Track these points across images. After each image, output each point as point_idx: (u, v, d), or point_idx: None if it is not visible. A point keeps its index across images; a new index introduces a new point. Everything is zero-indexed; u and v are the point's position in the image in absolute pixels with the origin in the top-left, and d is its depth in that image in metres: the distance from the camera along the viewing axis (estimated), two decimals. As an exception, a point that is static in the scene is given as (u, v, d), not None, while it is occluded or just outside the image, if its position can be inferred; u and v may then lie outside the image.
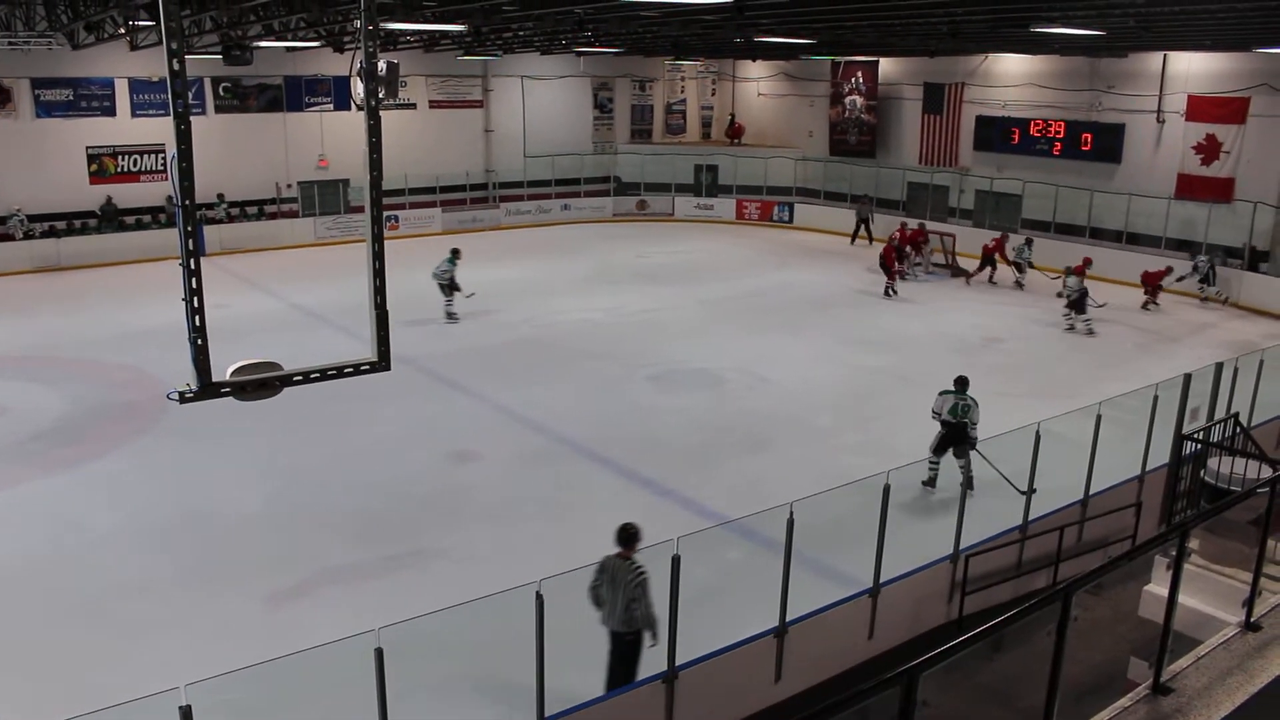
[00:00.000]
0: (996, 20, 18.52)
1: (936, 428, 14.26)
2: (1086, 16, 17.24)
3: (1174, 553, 6.93)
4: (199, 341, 5.55)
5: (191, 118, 5.36)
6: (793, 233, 36.64)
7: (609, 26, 21.46)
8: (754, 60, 40.21)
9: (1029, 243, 28.34)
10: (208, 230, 30.44)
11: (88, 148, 30.16)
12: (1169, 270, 25.61)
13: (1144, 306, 25.52)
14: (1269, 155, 26.56)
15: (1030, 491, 12.45)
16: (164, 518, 13.41)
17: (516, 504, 13.95)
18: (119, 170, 30.65)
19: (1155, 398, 13.77)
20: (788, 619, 10.24)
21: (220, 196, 31.44)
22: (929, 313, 24.75)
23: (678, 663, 9.32)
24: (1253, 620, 7.32)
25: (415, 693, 8.36)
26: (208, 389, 5.61)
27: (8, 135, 28.86)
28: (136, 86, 30.27)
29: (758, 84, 41.80)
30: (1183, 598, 6.89)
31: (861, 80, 36.81)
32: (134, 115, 30.53)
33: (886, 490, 10.90)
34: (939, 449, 14.06)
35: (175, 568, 12.13)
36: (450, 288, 23.12)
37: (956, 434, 13.89)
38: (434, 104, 36.53)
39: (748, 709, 10.21)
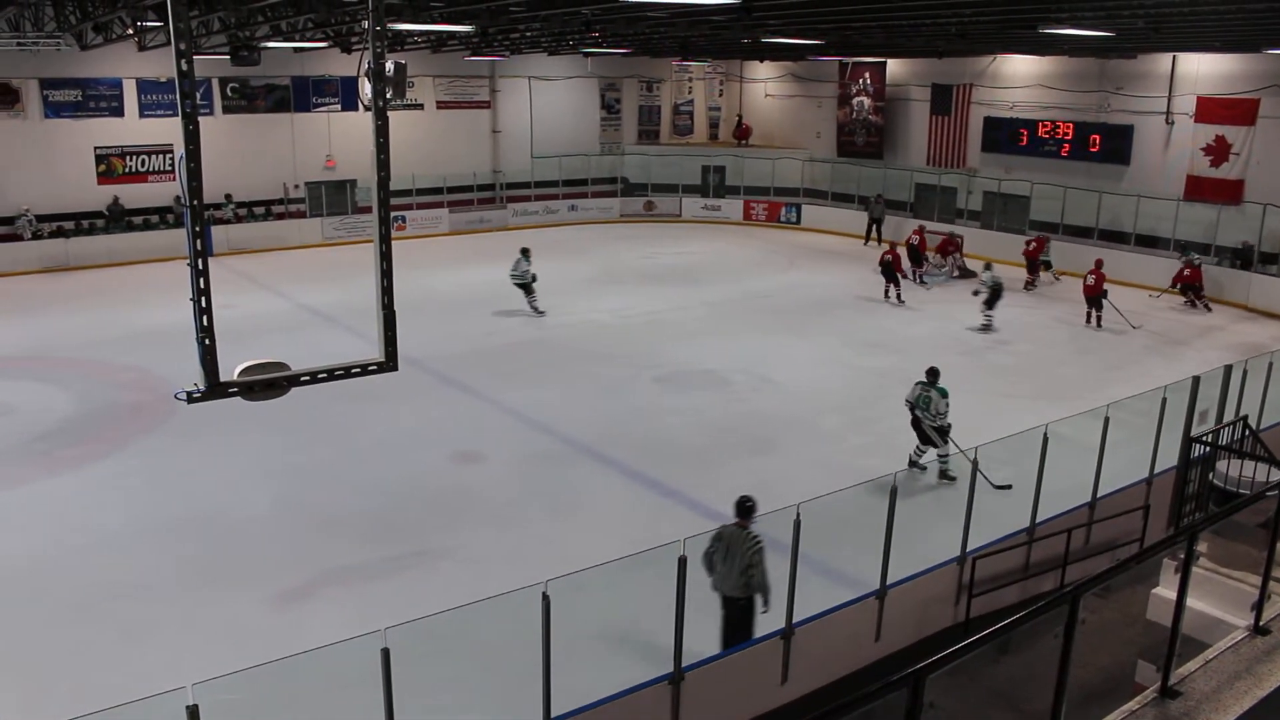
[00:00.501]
0: (1005, 21, 18.49)
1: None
2: (1095, 17, 17.20)
3: (1182, 556, 6.89)
4: (206, 341, 5.56)
5: (199, 118, 5.36)
6: (800, 234, 36.62)
7: (616, 27, 21.47)
8: (761, 61, 40.17)
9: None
10: (215, 230, 30.48)
11: (96, 148, 30.25)
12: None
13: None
14: (1279, 157, 26.46)
15: (1005, 487, 12.48)
16: (170, 518, 13.42)
17: (522, 505, 13.95)
18: (127, 170, 30.73)
19: (1163, 400, 13.72)
20: (794, 620, 10.22)
21: (228, 197, 31.51)
22: (935, 315, 24.69)
23: (684, 664, 9.31)
24: (1261, 624, 7.29)
25: (422, 693, 8.35)
26: (215, 389, 5.63)
27: (16, 136, 28.94)
28: (145, 87, 30.36)
29: (765, 85, 41.77)
30: (1191, 601, 6.87)
31: (869, 81, 36.77)
32: (142, 116, 30.61)
33: (893, 491, 10.89)
34: (921, 438, 14.66)
35: (181, 568, 12.14)
36: (530, 285, 24.04)
37: (916, 423, 14.55)
38: (441, 104, 36.57)
39: (754, 710, 10.20)
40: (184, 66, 5.25)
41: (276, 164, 33.10)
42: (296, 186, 33.58)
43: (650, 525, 12.68)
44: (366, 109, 6.20)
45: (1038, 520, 12.62)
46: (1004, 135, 32.87)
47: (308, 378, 5.96)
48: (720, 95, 43.21)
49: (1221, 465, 12.78)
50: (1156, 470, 14.01)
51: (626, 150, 40.81)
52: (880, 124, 36.87)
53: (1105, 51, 27.83)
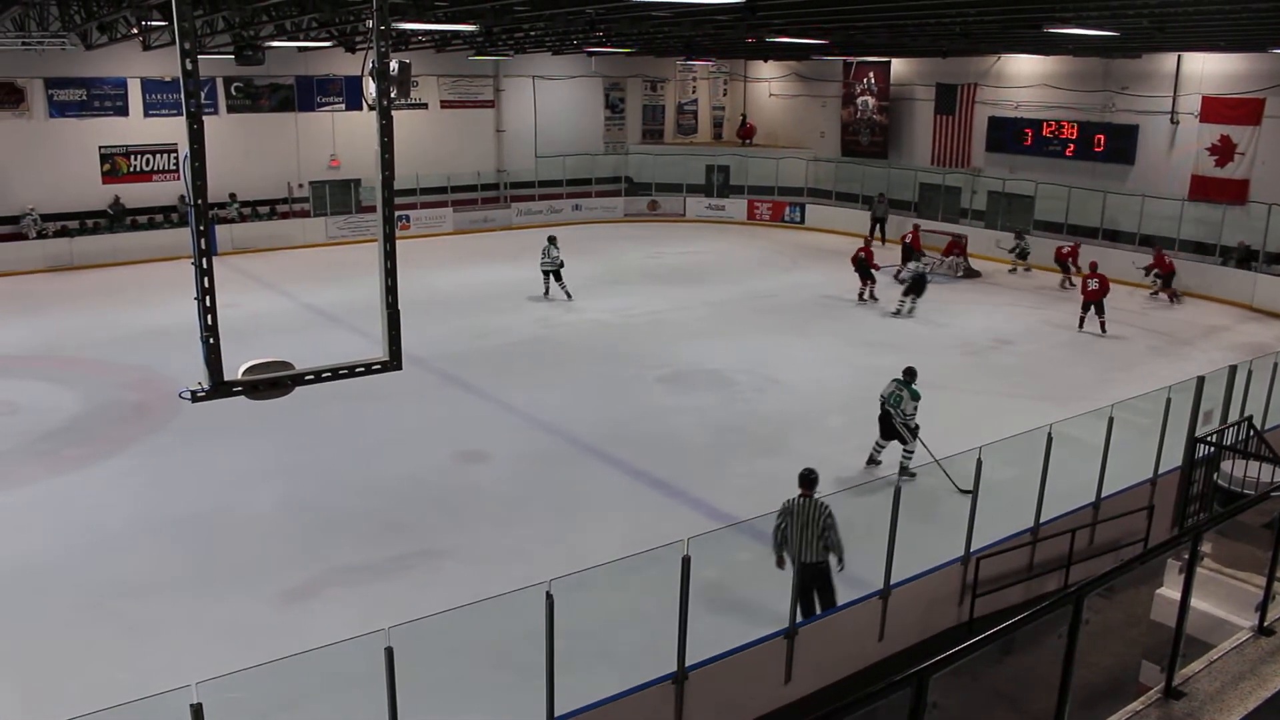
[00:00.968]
0: (1009, 20, 18.46)
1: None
2: (1100, 17, 17.18)
3: (1186, 556, 6.88)
4: (211, 340, 5.56)
5: (204, 118, 5.37)
6: (804, 233, 36.61)
7: (620, 27, 21.46)
8: (765, 61, 40.17)
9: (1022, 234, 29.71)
10: (220, 230, 30.49)
11: (100, 147, 30.30)
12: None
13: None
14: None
15: (967, 492, 12.44)
16: (174, 517, 13.44)
17: (526, 504, 13.95)
18: (132, 170, 30.77)
19: (1168, 400, 13.72)
20: (797, 620, 10.22)
21: (232, 196, 31.54)
22: (939, 314, 24.66)
23: (688, 663, 9.32)
24: (1266, 624, 7.28)
25: (425, 692, 8.36)
26: (219, 388, 5.63)
27: (21, 135, 28.99)
28: (149, 86, 30.41)
29: (769, 84, 41.77)
30: (1195, 601, 6.86)
31: (873, 81, 36.75)
32: (146, 115, 30.66)
33: (897, 492, 10.89)
34: (883, 432, 14.83)
35: (185, 567, 12.16)
36: (560, 271, 25.32)
37: (886, 419, 14.67)
38: (445, 104, 36.60)
39: (757, 710, 10.20)
40: (188, 66, 5.25)
41: (281, 163, 33.13)
42: (301, 186, 33.62)
43: (654, 525, 12.69)
44: (370, 108, 6.21)
45: (1042, 520, 12.62)
46: (1008, 135, 32.84)
47: (312, 377, 5.96)
48: (724, 95, 43.21)
49: (1226, 465, 12.76)
50: (1161, 470, 14.01)
51: (630, 150, 40.82)
52: (884, 123, 36.84)
53: (1110, 51, 27.80)
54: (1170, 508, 13.67)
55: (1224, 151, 27.63)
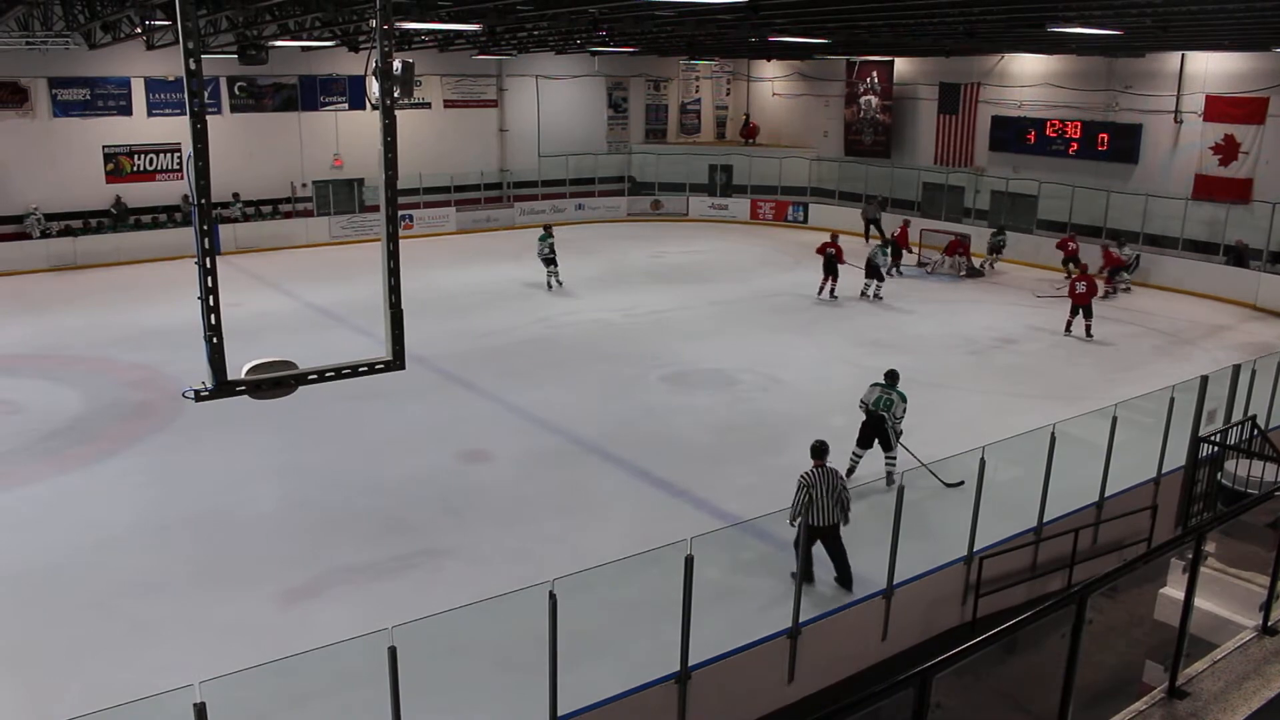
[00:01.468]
0: (1012, 20, 18.45)
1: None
2: (1104, 16, 17.17)
3: (1190, 556, 6.89)
4: (214, 340, 5.56)
5: (207, 117, 5.37)
6: (807, 233, 36.52)
7: (623, 26, 21.47)
8: (769, 60, 40.17)
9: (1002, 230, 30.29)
10: (223, 229, 30.56)
11: (104, 147, 30.33)
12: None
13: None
14: (1288, 156, 26.43)
15: (960, 484, 12.42)
16: (177, 516, 13.45)
17: (529, 504, 13.95)
18: (135, 169, 30.80)
19: (1171, 400, 13.71)
20: (801, 620, 10.23)
21: (236, 195, 31.57)
22: (942, 314, 24.67)
23: (690, 663, 9.32)
24: (1269, 624, 7.27)
25: (428, 692, 8.36)
26: (223, 387, 5.63)
27: (25, 134, 29.03)
28: (153, 86, 30.44)
29: (772, 84, 41.75)
30: (1199, 601, 6.86)
31: (876, 80, 36.73)
32: (150, 114, 30.69)
33: (900, 491, 10.90)
34: (861, 441, 14.19)
35: (188, 566, 12.17)
36: (554, 259, 26.30)
37: (876, 425, 14.01)
38: (449, 103, 36.62)
39: (760, 710, 10.20)
40: (192, 65, 5.25)
41: (284, 163, 33.16)
42: (304, 185, 33.65)
43: (657, 524, 12.69)
44: (374, 108, 6.20)
45: (1045, 520, 12.62)
46: (1012, 134, 32.82)
47: (315, 376, 5.96)
48: (727, 94, 43.21)
49: (1230, 465, 12.74)
50: (1164, 470, 14.01)
51: (633, 149, 40.82)
52: (887, 123, 36.82)
53: (1113, 50, 27.77)
54: (1174, 507, 13.66)
55: (1228, 151, 27.59)
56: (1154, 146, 29.42)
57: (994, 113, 33.31)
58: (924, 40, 25.83)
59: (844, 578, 11.25)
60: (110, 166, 30.50)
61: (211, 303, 5.51)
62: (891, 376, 14.28)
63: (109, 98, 30.14)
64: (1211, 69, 27.75)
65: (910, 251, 29.46)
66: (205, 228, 5.42)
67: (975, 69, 33.52)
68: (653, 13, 18.56)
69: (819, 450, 11.47)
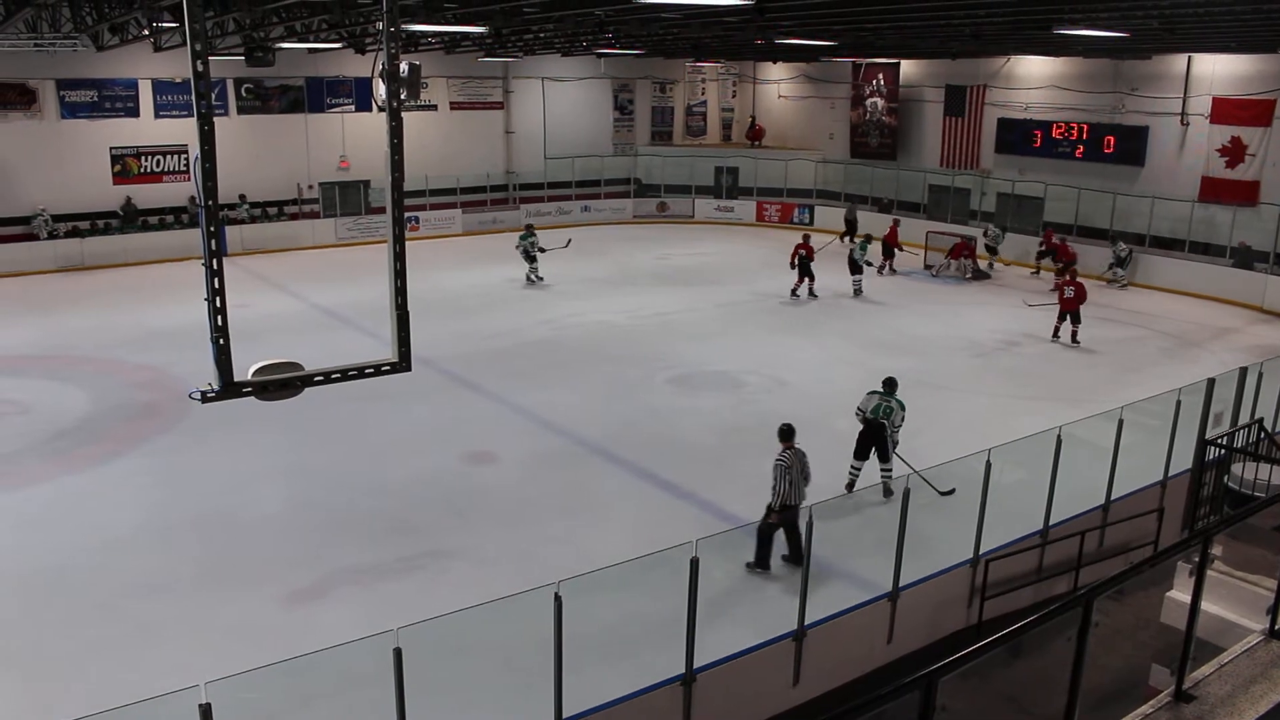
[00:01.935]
0: (1019, 22, 18.43)
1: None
2: (1110, 18, 17.14)
3: (1197, 559, 6.87)
4: (221, 341, 5.58)
5: (214, 119, 5.39)
6: (813, 235, 36.47)
7: (629, 28, 21.48)
8: (774, 62, 40.15)
9: (1003, 230, 30.67)
10: (230, 231, 30.61)
11: (111, 148, 30.41)
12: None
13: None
14: (1295, 158, 26.39)
15: (949, 492, 12.37)
16: (183, 517, 13.47)
17: (534, 505, 13.96)
18: (142, 171, 30.88)
19: (1178, 402, 13.69)
20: (806, 622, 10.22)
21: (242, 197, 31.63)
22: (945, 316, 24.65)
23: (696, 665, 9.32)
24: (1276, 627, 7.25)
25: (433, 693, 8.37)
26: (229, 389, 5.64)
27: (33, 136, 29.11)
28: (160, 87, 30.51)
29: (778, 86, 41.74)
30: (1205, 604, 6.84)
31: (882, 82, 36.70)
32: (157, 116, 30.76)
33: (906, 494, 10.89)
34: (860, 452, 13.91)
35: (194, 567, 12.18)
36: (535, 257, 27.20)
37: (875, 433, 13.72)
38: (455, 105, 36.65)
39: (766, 712, 10.20)
40: (199, 67, 5.27)
41: (290, 164, 33.22)
42: (310, 187, 33.69)
43: (663, 526, 12.68)
44: (380, 110, 6.22)
45: (1051, 523, 12.60)
46: (1018, 136, 32.77)
47: (321, 378, 5.97)
48: (733, 96, 43.20)
49: (1236, 468, 12.71)
50: (1171, 473, 13.97)
51: (639, 151, 40.83)
52: (893, 125, 36.80)
53: (1120, 52, 27.73)
54: (1180, 510, 13.63)
55: (1234, 153, 27.53)
56: (1160, 149, 29.36)
57: (1000, 115, 33.27)
58: (930, 43, 25.82)
59: (797, 555, 11.39)
60: (117, 168, 30.58)
61: (218, 304, 5.53)
62: (890, 384, 14.02)
63: (116, 99, 30.21)
64: (1218, 71, 27.69)
65: (902, 250, 29.66)
66: (212, 229, 5.44)
67: (981, 71, 33.48)
68: (659, 15, 18.56)
69: (787, 433, 11.91)
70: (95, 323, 23.12)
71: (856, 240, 28.37)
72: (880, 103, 37.07)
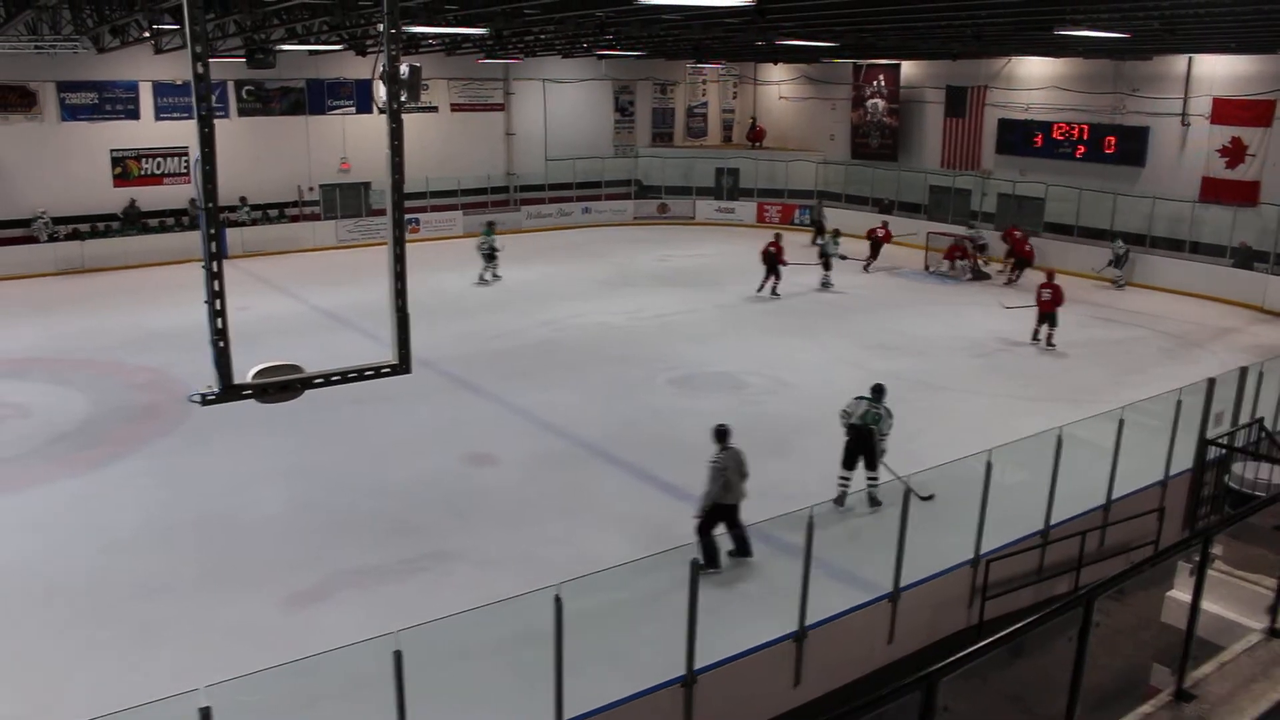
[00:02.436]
0: (1020, 23, 18.45)
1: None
2: (1111, 19, 17.15)
3: (1197, 558, 6.87)
4: (221, 344, 5.58)
5: (215, 121, 5.39)
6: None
7: (630, 30, 21.51)
8: (775, 63, 40.16)
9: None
10: (230, 233, 30.61)
11: (112, 150, 30.43)
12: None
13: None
14: (1295, 158, 26.40)
15: (929, 498, 12.36)
16: (184, 519, 13.48)
17: (535, 507, 13.96)
18: (143, 173, 30.89)
19: (1179, 402, 13.69)
20: (807, 623, 10.22)
21: (243, 199, 31.64)
22: (948, 316, 24.65)
23: (696, 667, 9.32)
24: (1277, 626, 7.26)
25: (434, 695, 8.37)
26: (229, 391, 5.64)
27: (33, 138, 29.13)
28: (160, 89, 30.52)
29: (779, 87, 41.76)
30: (1206, 604, 6.85)
31: (883, 83, 36.72)
32: (158, 118, 30.77)
33: (907, 494, 10.89)
34: (847, 461, 13.57)
35: (194, 569, 12.19)
36: (494, 255, 27.46)
37: (862, 440, 13.44)
38: (455, 107, 36.67)
39: (766, 713, 10.20)
40: (199, 69, 5.27)
41: (291, 166, 33.23)
42: (311, 189, 33.70)
43: (664, 527, 12.68)
44: (381, 112, 6.22)
45: (1052, 523, 12.60)
46: (1018, 137, 32.78)
47: (321, 380, 5.98)
48: (734, 97, 43.20)
49: (1237, 468, 12.73)
50: (1172, 473, 13.97)
51: (640, 153, 40.83)
52: (894, 126, 36.81)
53: (1120, 53, 27.76)
54: (1181, 510, 13.65)
55: (1235, 153, 27.54)
56: (1161, 149, 29.36)
57: (1001, 115, 33.28)
58: (931, 44, 25.83)
59: (744, 548, 11.82)
60: (118, 170, 30.60)
61: (218, 306, 5.54)
62: (878, 391, 13.69)
63: (117, 101, 30.23)
64: (1219, 71, 27.70)
65: (888, 241, 30.37)
66: (212, 231, 5.44)
67: (982, 72, 33.49)
68: (659, 16, 18.58)
69: (721, 434, 12.04)
70: (95, 325, 23.13)
71: (827, 235, 28.89)
72: (881, 104, 37.09)
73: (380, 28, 6.24)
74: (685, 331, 22.92)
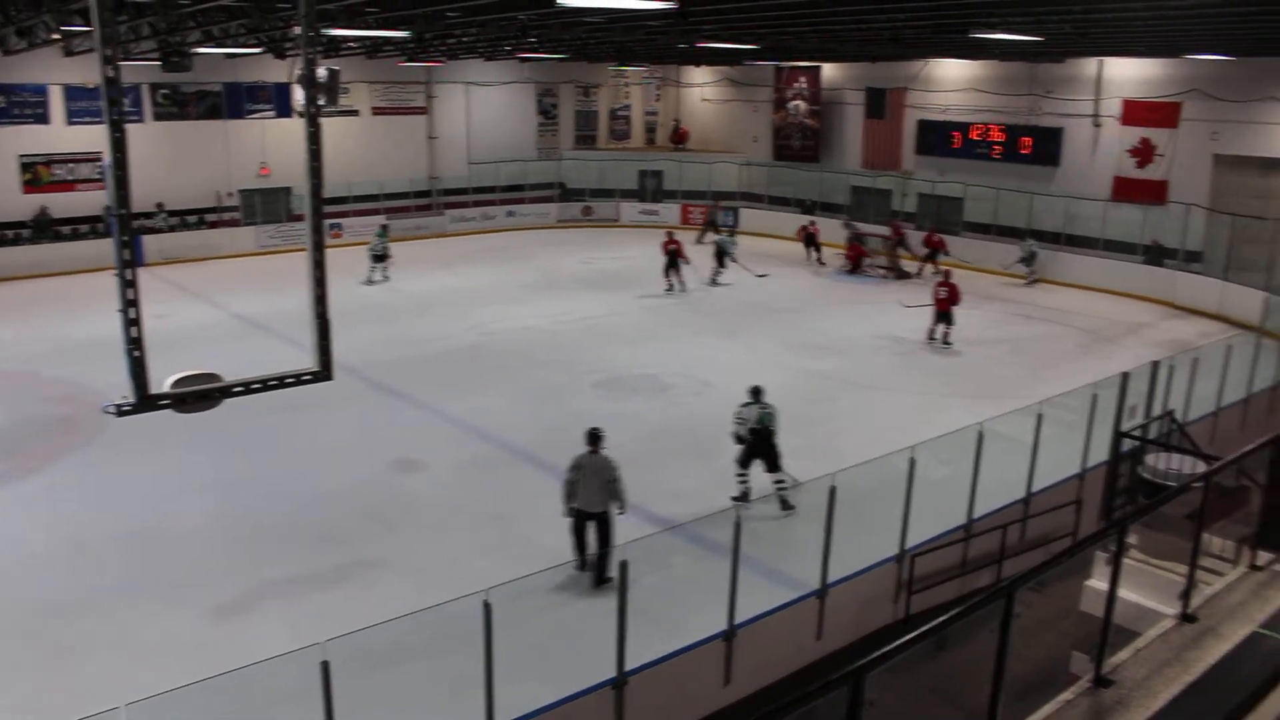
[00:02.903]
0: (936, 26, 18.75)
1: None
2: (1025, 22, 17.51)
3: (1113, 548, 7.05)
4: (136, 353, 5.45)
5: (129, 125, 5.28)
6: (738, 237, 36.73)
7: (552, 33, 21.47)
8: (698, 66, 40.38)
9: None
10: (147, 240, 29.92)
11: (20, 156, 29.54)
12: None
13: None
14: (1199, 158, 27.16)
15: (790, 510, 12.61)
16: (103, 533, 13.16)
17: (463, 512, 13.88)
18: (54, 179, 30.06)
19: (1094, 397, 14.03)
20: (736, 622, 10.28)
21: (159, 205, 30.95)
22: (872, 315, 24.98)
23: (627, 668, 9.33)
24: (1189, 612, 7.48)
25: (363, 706, 8.28)
26: (146, 401, 5.52)
27: (-63, 144, 28.22)
28: (72, 93, 29.70)
29: (702, 89, 41.99)
30: (1122, 592, 7.02)
31: (804, 85, 37.09)
32: (69, 123, 29.96)
33: (832, 493, 11.00)
34: (745, 461, 13.68)
35: (115, 584, 11.91)
36: (385, 256, 28.11)
37: (762, 443, 13.54)
38: (377, 110, 36.26)
39: (698, 712, 10.24)
40: (110, 73, 5.15)
41: (209, 171, 32.57)
42: (230, 194, 33.07)
43: (592, 530, 12.65)
44: (301, 115, 6.14)
45: (974, 517, 12.83)
46: (937, 138, 33.32)
47: (241, 388, 5.87)
48: (657, 100, 43.33)
49: (1150, 459, 13.07)
50: (1088, 465, 14.32)
51: (564, 155, 40.78)
52: (816, 128, 37.20)
53: (1035, 56, 28.35)
54: (1098, 501, 13.97)
55: (1144, 153, 28.30)
56: (1075, 149, 30.07)
57: (920, 117, 33.81)
58: (850, 46, 26.14)
59: (598, 565, 11.42)
60: (28, 176, 29.72)
61: (132, 315, 5.41)
62: (758, 391, 13.78)
63: (25, 105, 29.37)
64: (1128, 74, 28.44)
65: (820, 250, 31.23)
66: (126, 238, 5.32)
67: (901, 74, 33.99)
68: (581, 19, 18.57)
69: (593, 437, 12.00)
70: (8, 336, 22.48)
71: (723, 232, 30.06)
72: (802, 105, 37.46)
73: (299, 30, 6.15)
74: (610, 334, 22.94)
